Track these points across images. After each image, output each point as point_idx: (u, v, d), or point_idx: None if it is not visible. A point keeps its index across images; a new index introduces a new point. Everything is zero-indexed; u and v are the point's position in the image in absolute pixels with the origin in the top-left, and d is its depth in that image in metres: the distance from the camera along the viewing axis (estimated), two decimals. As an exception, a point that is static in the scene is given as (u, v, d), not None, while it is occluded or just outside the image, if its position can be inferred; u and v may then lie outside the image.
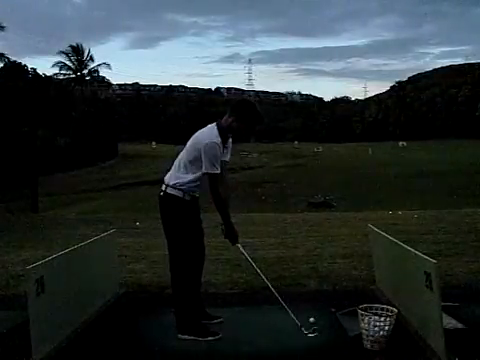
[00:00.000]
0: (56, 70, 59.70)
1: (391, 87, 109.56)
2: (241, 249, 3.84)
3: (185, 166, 3.67)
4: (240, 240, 3.87)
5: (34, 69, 53.29)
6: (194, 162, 3.63)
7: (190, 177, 3.66)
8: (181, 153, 3.78)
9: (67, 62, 59.85)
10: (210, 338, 3.63)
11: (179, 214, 3.69)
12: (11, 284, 5.22)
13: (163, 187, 3.72)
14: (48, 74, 58.19)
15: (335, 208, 19.15)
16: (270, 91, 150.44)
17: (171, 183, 3.67)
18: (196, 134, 3.76)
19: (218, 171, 3.60)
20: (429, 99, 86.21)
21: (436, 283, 2.98)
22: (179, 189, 3.66)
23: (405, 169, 32.85)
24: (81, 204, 23.45)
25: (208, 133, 3.67)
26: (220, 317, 3.95)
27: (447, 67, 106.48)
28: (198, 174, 3.64)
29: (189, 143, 3.73)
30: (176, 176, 3.69)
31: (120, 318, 4.14)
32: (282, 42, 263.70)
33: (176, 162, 3.76)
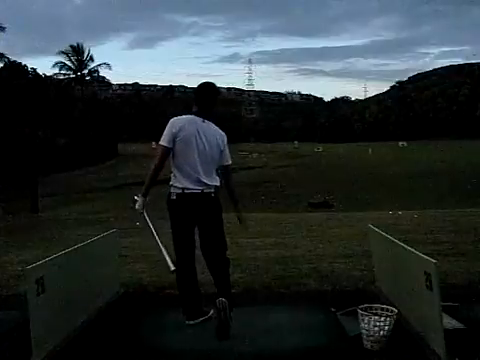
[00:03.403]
0: (56, 70, 59.89)
1: (391, 87, 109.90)
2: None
3: (214, 169, 3.90)
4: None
5: (34, 69, 53.32)
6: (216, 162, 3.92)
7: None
8: (203, 154, 3.80)
9: (67, 62, 60.02)
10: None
11: None
12: (11, 284, 5.21)
13: (211, 189, 3.83)
14: (48, 74, 58.27)
15: (335, 208, 19.16)
16: (270, 91, 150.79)
17: (218, 184, 3.90)
18: (209, 130, 3.84)
19: None
20: (429, 99, 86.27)
21: (436, 283, 2.98)
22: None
23: (405, 169, 32.87)
24: (81, 204, 23.45)
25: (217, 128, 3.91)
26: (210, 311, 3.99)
27: (447, 67, 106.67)
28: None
29: (207, 142, 3.81)
30: (216, 179, 3.91)
31: (120, 318, 4.14)
32: (282, 42, 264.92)
33: (205, 166, 3.80)
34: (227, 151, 3.96)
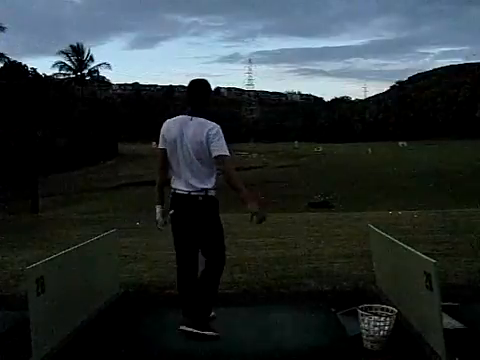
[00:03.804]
0: (56, 70, 59.93)
1: (391, 87, 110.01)
2: None
3: (205, 169, 3.69)
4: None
5: (34, 69, 53.35)
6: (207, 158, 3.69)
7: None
8: (186, 155, 3.66)
9: (67, 62, 60.05)
10: (207, 333, 3.63)
11: (218, 214, 3.78)
12: (11, 284, 5.21)
13: (200, 192, 3.64)
14: (48, 74, 58.31)
15: (335, 208, 19.16)
16: (270, 91, 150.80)
17: (210, 186, 3.68)
18: (193, 128, 3.65)
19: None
20: (429, 99, 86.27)
21: (436, 283, 2.98)
22: (215, 189, 3.73)
23: (405, 169, 32.85)
24: (81, 204, 23.45)
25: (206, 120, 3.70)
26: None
27: (447, 67, 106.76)
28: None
29: (189, 142, 3.64)
30: (210, 181, 3.70)
31: (120, 318, 4.14)
32: (282, 42, 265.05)
33: (192, 167, 3.65)
34: (218, 141, 3.60)
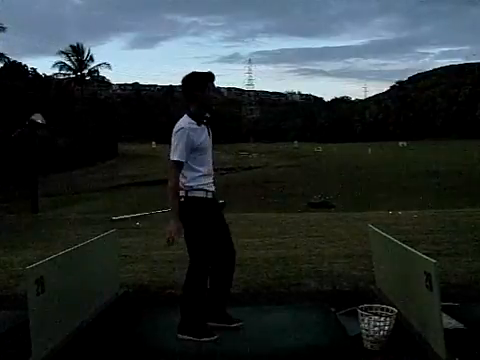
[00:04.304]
0: (56, 70, 59.90)
1: (391, 87, 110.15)
2: None
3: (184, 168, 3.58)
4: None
5: (34, 69, 53.39)
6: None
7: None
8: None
9: (67, 62, 60.01)
10: (205, 339, 3.58)
11: (201, 216, 3.61)
12: (11, 284, 5.21)
13: (181, 192, 3.55)
14: (48, 74, 58.33)
15: (335, 208, 19.17)
16: (270, 91, 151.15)
17: (190, 186, 3.55)
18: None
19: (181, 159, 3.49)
20: (429, 99, 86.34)
21: (436, 283, 2.97)
22: (200, 190, 3.59)
23: (405, 169, 32.88)
24: (81, 204, 23.46)
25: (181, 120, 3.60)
26: (240, 321, 3.83)
27: (447, 67, 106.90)
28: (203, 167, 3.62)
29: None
30: (187, 179, 3.58)
31: (120, 318, 4.14)
32: (282, 42, 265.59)
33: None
34: (173, 143, 3.49)
